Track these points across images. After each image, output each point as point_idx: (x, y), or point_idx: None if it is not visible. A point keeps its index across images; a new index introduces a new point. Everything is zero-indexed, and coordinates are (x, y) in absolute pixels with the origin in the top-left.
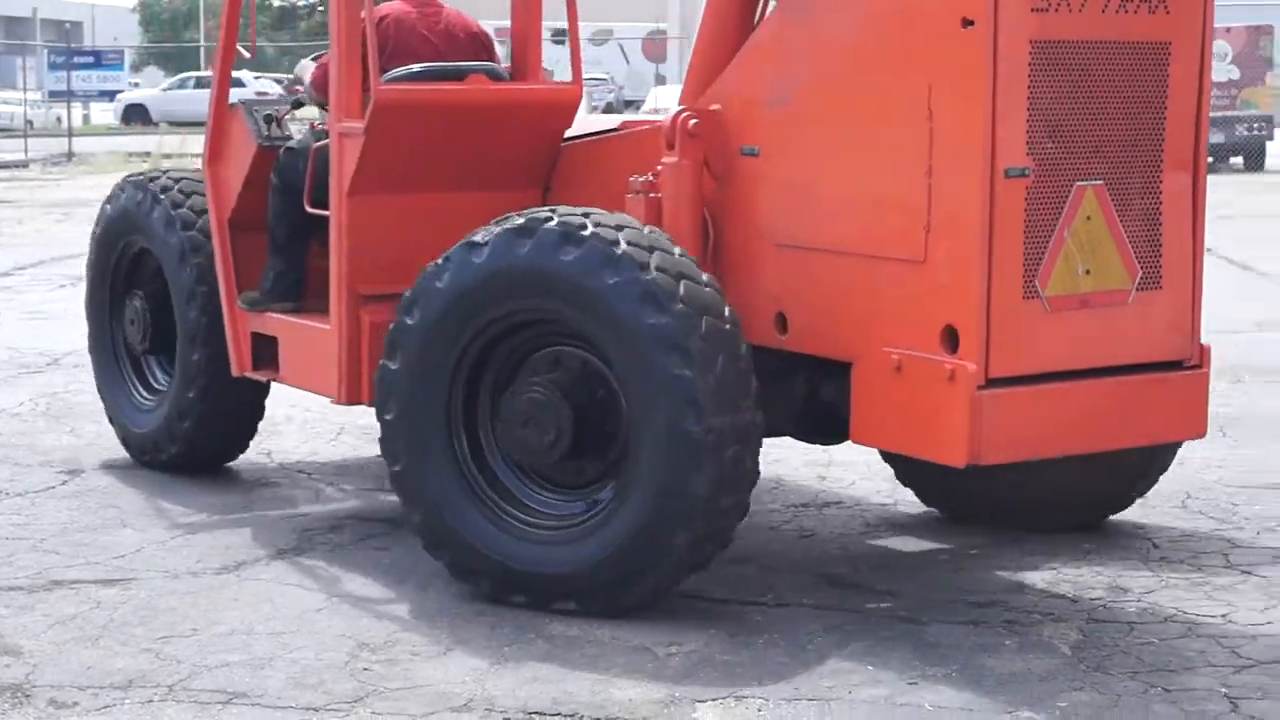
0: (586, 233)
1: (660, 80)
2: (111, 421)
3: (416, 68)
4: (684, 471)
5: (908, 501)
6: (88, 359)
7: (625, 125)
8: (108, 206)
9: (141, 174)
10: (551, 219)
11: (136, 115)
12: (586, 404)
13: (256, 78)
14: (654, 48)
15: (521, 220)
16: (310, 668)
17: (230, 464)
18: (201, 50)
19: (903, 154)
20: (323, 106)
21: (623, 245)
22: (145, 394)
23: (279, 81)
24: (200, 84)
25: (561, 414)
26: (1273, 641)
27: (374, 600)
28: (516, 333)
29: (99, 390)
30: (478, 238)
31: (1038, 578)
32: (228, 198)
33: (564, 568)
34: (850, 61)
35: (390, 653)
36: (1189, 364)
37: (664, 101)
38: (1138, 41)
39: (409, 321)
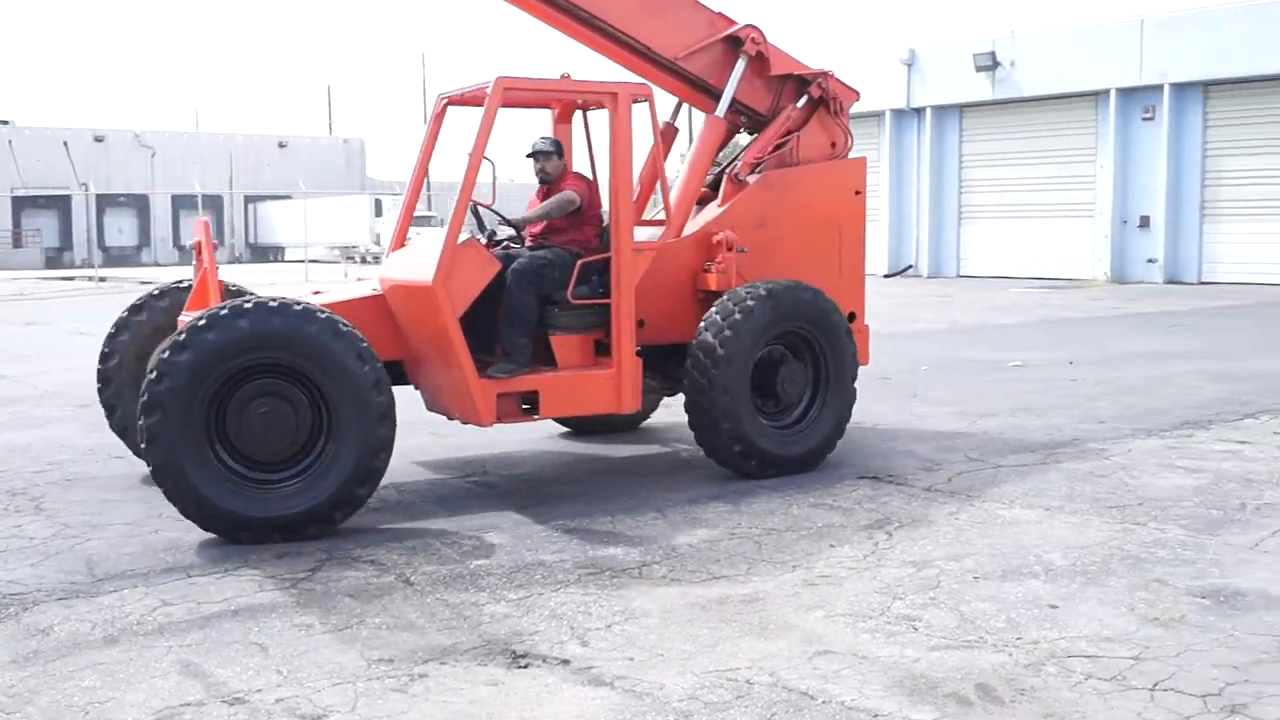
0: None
1: None
2: (207, 516)
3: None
4: (851, 397)
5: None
6: None
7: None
8: (210, 335)
9: (252, 296)
10: (801, 286)
11: None
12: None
13: None
14: None
15: (780, 285)
16: None
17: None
18: None
19: (830, 248)
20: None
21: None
22: (278, 482)
23: None
24: None
25: (805, 376)
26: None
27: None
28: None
29: (181, 489)
30: (776, 288)
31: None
32: (461, 304)
33: (798, 451)
34: (808, 208)
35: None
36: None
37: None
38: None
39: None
